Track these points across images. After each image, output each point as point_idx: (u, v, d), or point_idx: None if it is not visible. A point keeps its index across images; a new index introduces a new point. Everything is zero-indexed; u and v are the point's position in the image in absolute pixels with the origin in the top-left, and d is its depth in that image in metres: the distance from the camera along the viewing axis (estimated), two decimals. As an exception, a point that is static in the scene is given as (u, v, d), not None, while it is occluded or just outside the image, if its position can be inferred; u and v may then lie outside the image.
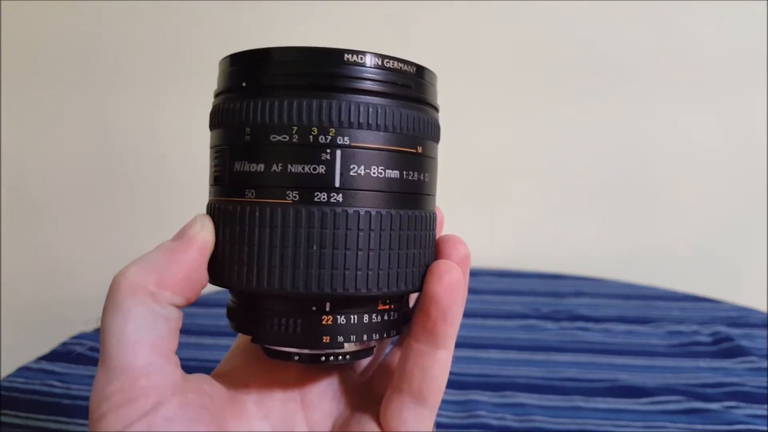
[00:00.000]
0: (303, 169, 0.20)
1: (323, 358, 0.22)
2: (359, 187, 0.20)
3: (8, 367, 0.47)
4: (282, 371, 0.24)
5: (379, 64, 0.20)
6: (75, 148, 0.87)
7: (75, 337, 0.52)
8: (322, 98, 0.20)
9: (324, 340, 0.21)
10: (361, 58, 0.20)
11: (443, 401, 0.24)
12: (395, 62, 0.21)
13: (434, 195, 0.23)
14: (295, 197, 0.20)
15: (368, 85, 0.20)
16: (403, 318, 0.23)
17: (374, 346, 0.24)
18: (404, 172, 0.21)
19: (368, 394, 0.25)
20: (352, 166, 0.20)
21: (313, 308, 0.21)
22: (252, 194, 0.20)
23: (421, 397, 0.22)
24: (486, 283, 0.73)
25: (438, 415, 0.23)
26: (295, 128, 0.20)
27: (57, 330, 0.60)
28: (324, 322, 0.21)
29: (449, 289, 0.21)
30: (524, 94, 0.84)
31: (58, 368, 0.47)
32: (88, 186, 0.88)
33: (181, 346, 0.21)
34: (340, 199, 0.20)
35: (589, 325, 0.59)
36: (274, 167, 0.20)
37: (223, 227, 0.21)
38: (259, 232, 0.20)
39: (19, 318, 0.90)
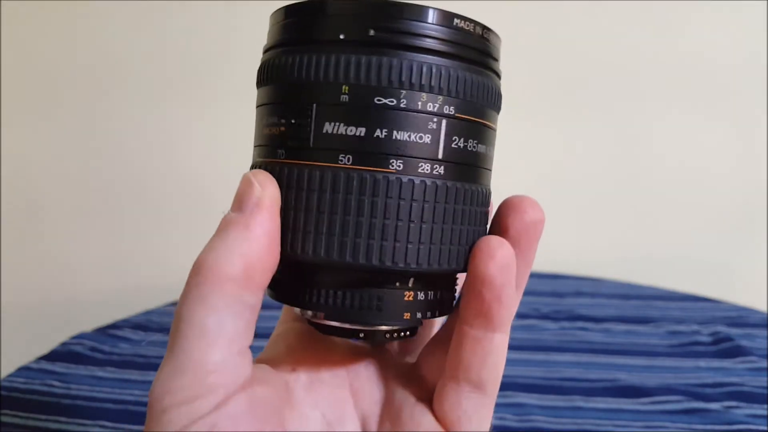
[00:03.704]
0: (409, 137, 0.19)
1: (387, 335, 0.21)
2: (459, 161, 0.19)
3: (8, 367, 0.47)
4: (327, 354, 0.23)
5: (480, 33, 0.20)
6: (76, 148, 0.87)
7: (75, 337, 0.52)
8: (431, 63, 0.18)
9: (405, 317, 0.20)
10: (469, 26, 0.19)
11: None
12: (490, 33, 0.20)
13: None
14: (398, 167, 0.18)
15: (470, 54, 0.19)
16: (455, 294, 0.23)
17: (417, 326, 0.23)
18: (489, 148, 0.21)
19: (416, 379, 0.23)
20: (454, 138, 0.19)
21: (397, 284, 0.20)
22: (348, 160, 0.18)
23: (480, 385, 0.20)
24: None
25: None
26: (404, 92, 0.18)
27: (57, 330, 0.60)
28: (406, 298, 0.20)
29: (502, 269, 0.19)
30: (527, 97, 0.84)
31: (58, 368, 0.47)
32: (89, 186, 0.88)
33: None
34: (442, 172, 0.19)
35: (589, 325, 0.59)
36: (378, 133, 0.18)
37: (305, 194, 0.19)
38: (358, 201, 0.18)
39: (19, 318, 0.90)
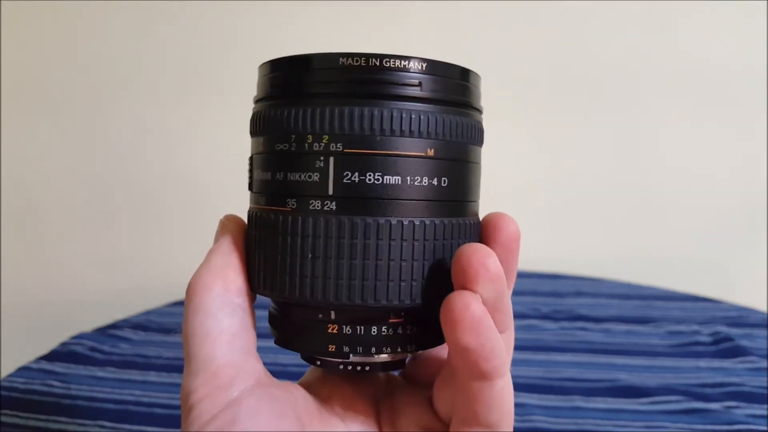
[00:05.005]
0: (299, 177, 0.20)
1: (341, 366, 0.21)
2: (355, 195, 0.19)
3: (8, 367, 0.47)
4: (361, 384, 0.24)
5: (377, 64, 0.20)
6: (76, 148, 0.87)
7: (75, 337, 0.52)
8: (315, 106, 0.20)
9: (329, 348, 0.21)
10: (356, 61, 0.19)
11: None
12: (396, 61, 0.20)
13: (465, 201, 0.22)
14: (293, 205, 0.20)
15: (361, 88, 0.20)
16: (423, 332, 0.22)
17: (401, 360, 0.22)
18: (408, 178, 0.20)
19: (433, 413, 0.23)
20: (345, 173, 0.19)
21: (320, 315, 0.21)
22: (263, 201, 0.21)
23: (492, 426, 0.20)
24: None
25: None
26: (293, 136, 0.20)
27: (57, 330, 0.60)
28: (329, 330, 0.21)
29: (474, 331, 0.18)
30: (529, 99, 0.84)
31: (58, 368, 0.47)
32: (89, 186, 0.88)
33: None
34: (334, 207, 0.19)
35: (589, 325, 0.59)
36: (278, 175, 0.20)
37: (250, 232, 0.22)
38: (265, 238, 0.21)
39: (19, 318, 0.90)
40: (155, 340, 0.54)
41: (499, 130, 0.84)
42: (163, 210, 0.88)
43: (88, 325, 0.56)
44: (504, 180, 0.86)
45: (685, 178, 0.86)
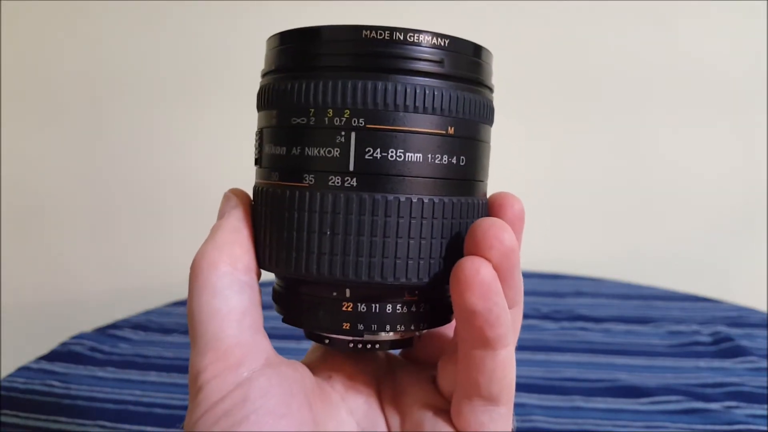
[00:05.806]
0: (318, 152, 0.19)
1: (351, 344, 0.21)
2: (376, 171, 0.19)
3: (8, 367, 0.47)
4: (362, 363, 0.24)
5: (401, 38, 0.19)
6: (76, 149, 0.87)
7: (75, 337, 0.52)
8: (336, 79, 0.19)
9: (344, 326, 0.20)
10: (381, 34, 0.19)
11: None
12: (419, 35, 0.19)
13: (478, 181, 0.21)
14: (311, 181, 0.19)
15: (384, 62, 0.19)
16: (433, 310, 0.22)
17: (409, 338, 0.22)
18: (429, 156, 0.19)
19: (436, 391, 0.23)
20: (367, 149, 0.19)
21: (334, 293, 0.20)
22: (276, 177, 0.20)
23: (492, 399, 0.21)
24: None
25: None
26: (312, 110, 0.19)
27: (57, 330, 0.60)
28: (344, 308, 0.20)
29: (483, 296, 0.18)
30: (529, 99, 0.84)
31: (58, 368, 0.47)
32: (89, 187, 0.88)
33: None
34: (355, 183, 0.19)
35: (589, 325, 0.59)
36: (294, 150, 0.20)
37: (257, 206, 0.21)
38: (278, 214, 0.20)
39: (19, 318, 0.90)
40: (155, 340, 0.54)
41: (499, 130, 0.84)
42: (163, 210, 0.88)
43: (88, 325, 0.56)
44: (504, 180, 0.86)
45: (685, 178, 0.86)
